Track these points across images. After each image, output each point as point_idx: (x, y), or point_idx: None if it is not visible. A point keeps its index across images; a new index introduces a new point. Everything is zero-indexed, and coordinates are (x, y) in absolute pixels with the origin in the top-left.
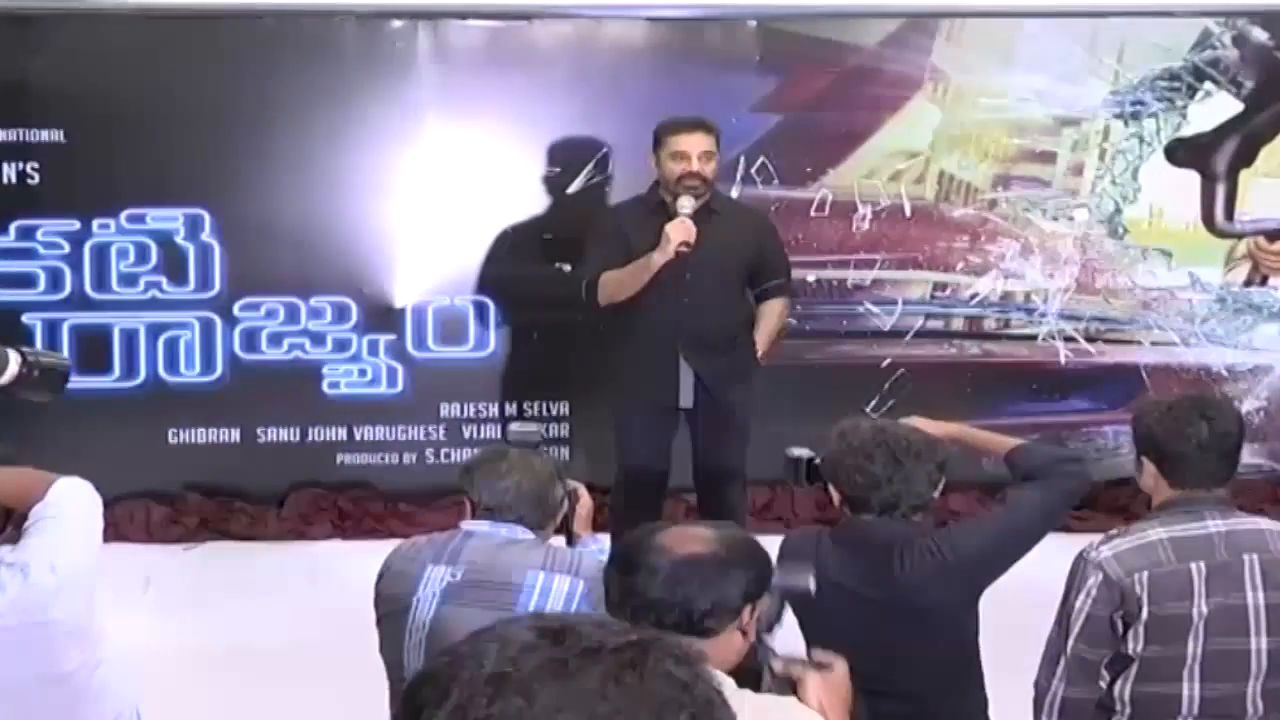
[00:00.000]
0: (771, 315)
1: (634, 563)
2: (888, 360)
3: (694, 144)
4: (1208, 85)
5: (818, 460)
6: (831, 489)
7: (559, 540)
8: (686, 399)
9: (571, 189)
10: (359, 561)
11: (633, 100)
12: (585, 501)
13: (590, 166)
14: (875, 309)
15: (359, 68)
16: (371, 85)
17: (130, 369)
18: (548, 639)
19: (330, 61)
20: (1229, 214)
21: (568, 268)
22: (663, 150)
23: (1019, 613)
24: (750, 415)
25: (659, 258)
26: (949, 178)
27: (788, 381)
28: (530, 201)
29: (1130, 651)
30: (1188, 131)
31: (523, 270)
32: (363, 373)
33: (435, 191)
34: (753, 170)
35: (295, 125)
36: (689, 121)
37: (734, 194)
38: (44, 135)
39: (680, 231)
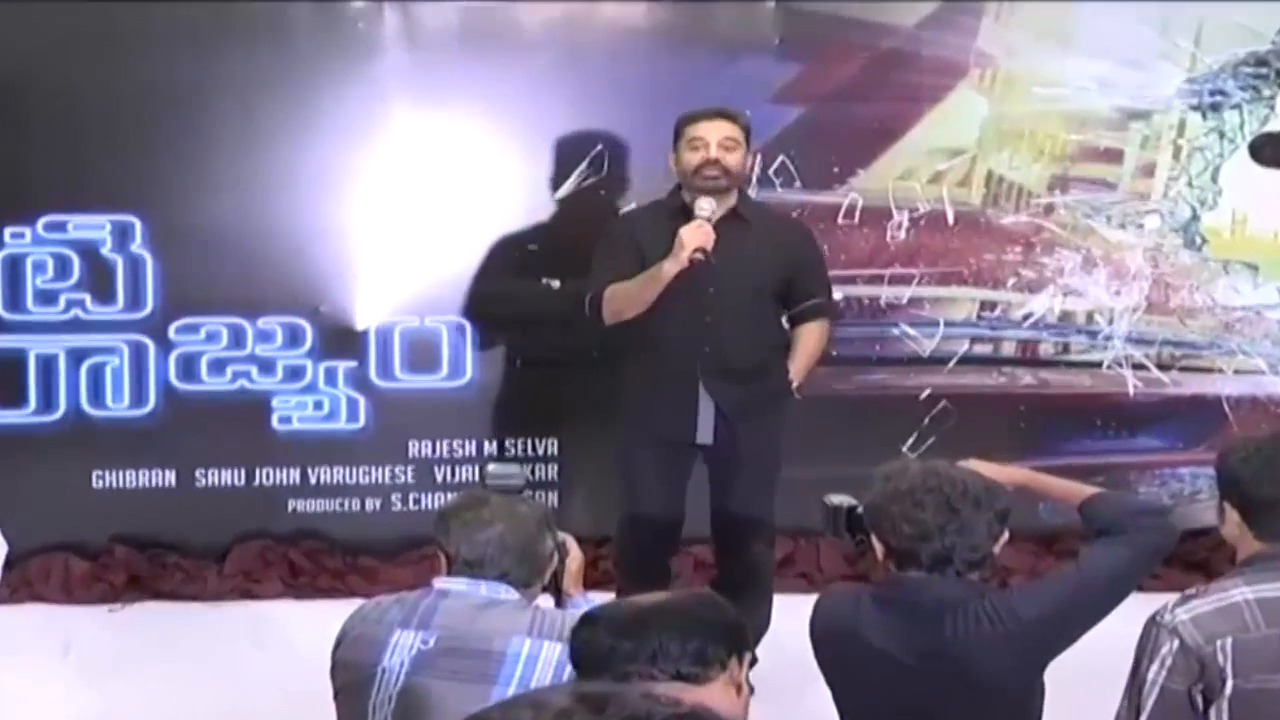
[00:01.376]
0: (809, 340)
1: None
2: (927, 391)
3: (713, 130)
4: None
5: (859, 509)
6: (874, 541)
7: (547, 600)
8: (705, 434)
9: (561, 192)
10: (314, 624)
11: (631, 91)
12: (575, 556)
13: (582, 167)
14: (913, 331)
15: (315, 53)
16: (330, 73)
17: (48, 401)
18: (588, 706)
19: (282, 46)
20: None
21: (556, 283)
22: (681, 143)
23: (1081, 685)
24: (780, 456)
25: (670, 267)
26: (998, 179)
27: (810, 415)
28: (513, 207)
29: None
30: (1277, 126)
31: (505, 286)
32: (319, 405)
33: (403, 196)
34: (770, 171)
35: (241, 119)
36: (708, 109)
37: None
38: None
39: (695, 235)
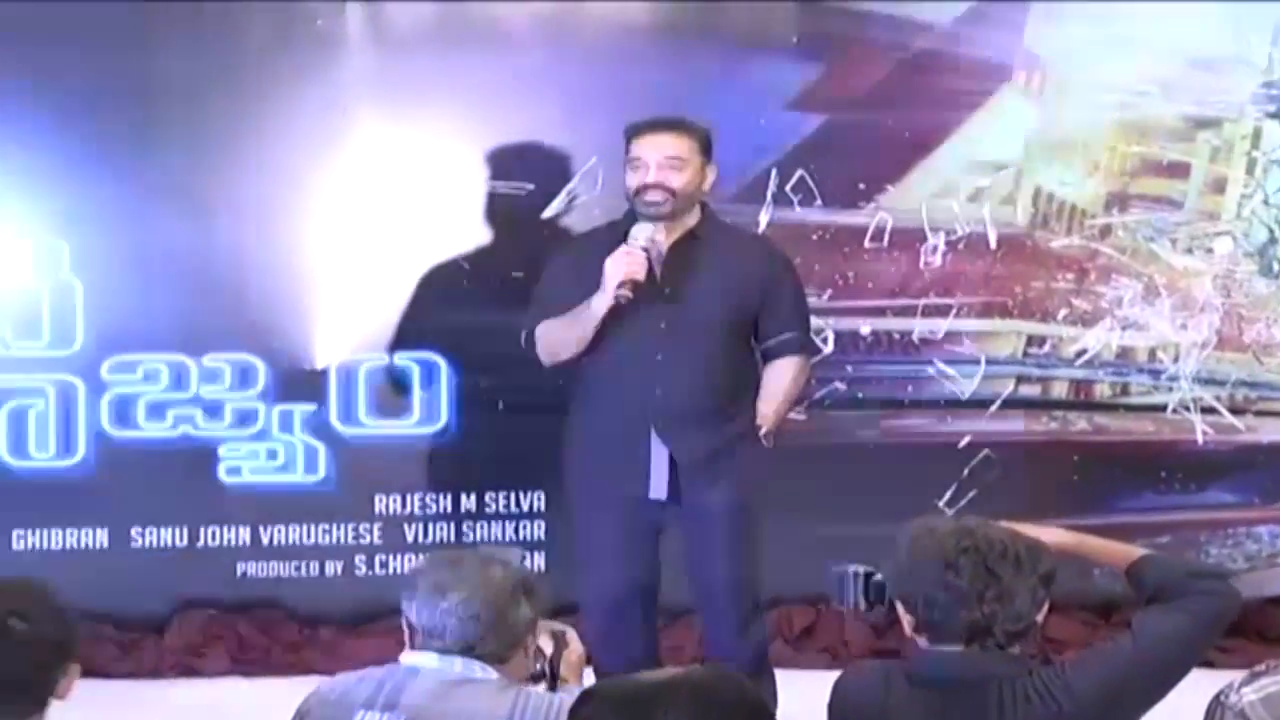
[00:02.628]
0: (781, 379)
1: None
2: (966, 439)
3: (653, 148)
4: None
5: (877, 575)
6: (900, 612)
7: (539, 687)
8: (659, 488)
9: (548, 212)
10: (266, 706)
11: (629, 97)
12: (576, 648)
13: (574, 183)
14: (950, 370)
15: (269, 54)
16: (286, 77)
17: None
18: None
19: (230, 46)
20: None
21: None
22: (626, 160)
23: None
24: (753, 509)
25: (599, 303)
26: (1047, 197)
27: (832, 467)
28: (494, 229)
29: None
30: None
31: (484, 318)
32: (272, 455)
33: (370, 215)
34: (788, 187)
35: (184, 129)
36: (650, 121)
37: (763, 217)
38: None
39: (619, 266)
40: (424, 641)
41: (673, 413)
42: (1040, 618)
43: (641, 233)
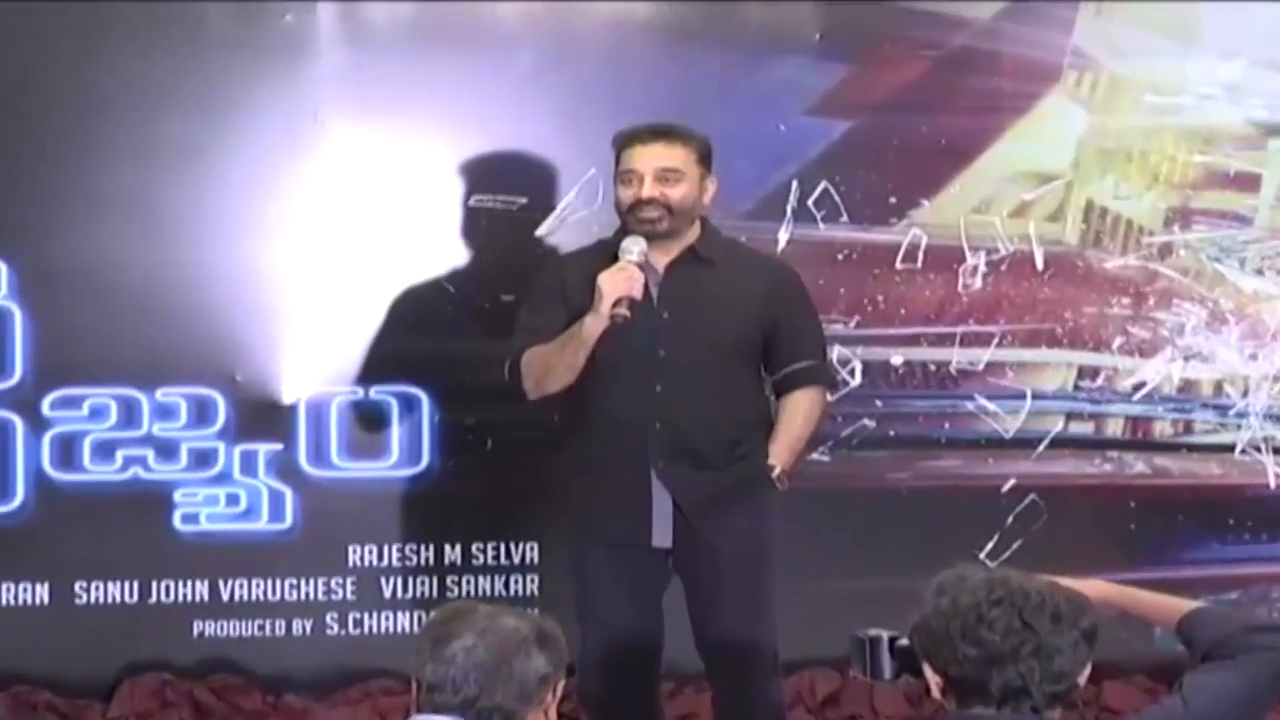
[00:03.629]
0: (795, 413)
1: None
2: (1010, 482)
3: (647, 159)
4: None
5: (900, 639)
6: (927, 671)
7: None
8: (662, 536)
9: (542, 229)
10: None
11: (629, 103)
12: None
13: (570, 197)
14: (991, 406)
15: (231, 54)
16: (250, 80)
17: None
18: None
19: (189, 46)
20: None
21: None
22: (617, 172)
23: None
24: (767, 560)
25: (592, 325)
26: (1100, 212)
27: (858, 513)
28: (481, 249)
29: None
30: None
31: (470, 347)
32: (233, 500)
33: (342, 233)
34: (810, 201)
35: (138, 137)
36: (642, 130)
37: (783, 235)
38: None
39: (616, 283)
40: (427, 698)
41: (675, 452)
42: (1082, 679)
43: (635, 246)
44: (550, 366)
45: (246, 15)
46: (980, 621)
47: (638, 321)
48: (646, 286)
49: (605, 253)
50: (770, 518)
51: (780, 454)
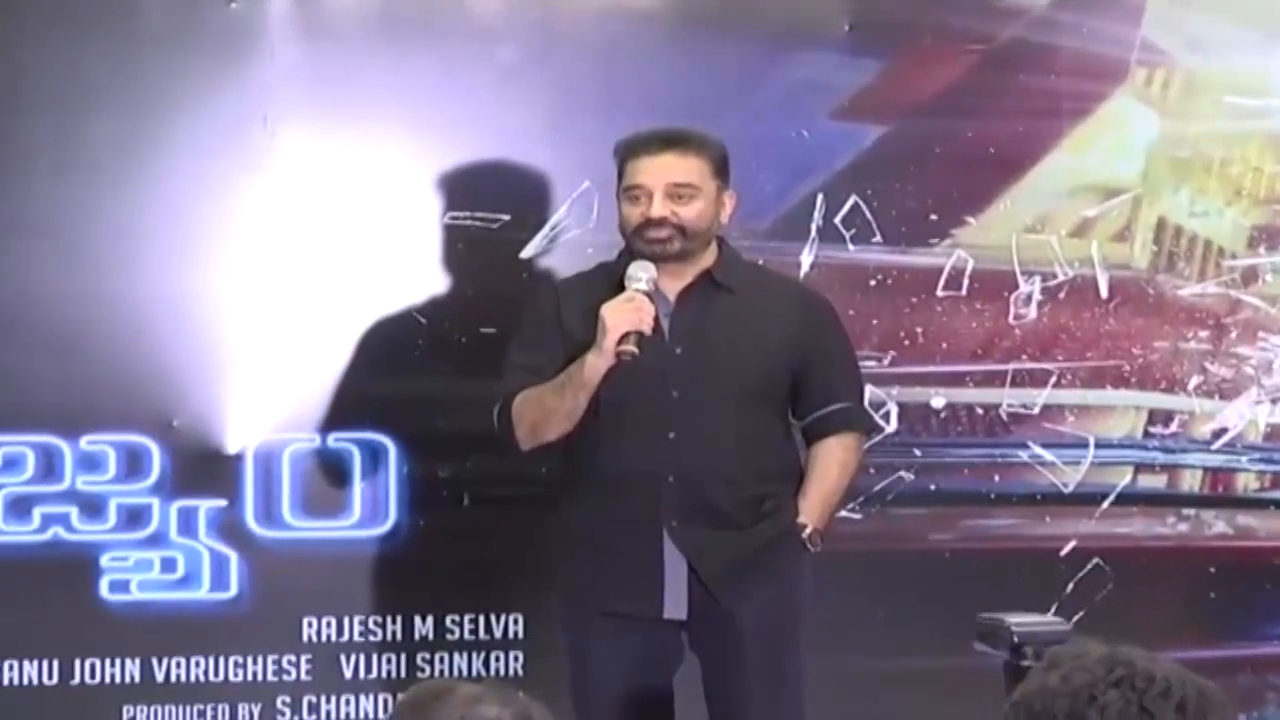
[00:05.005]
0: (829, 463)
1: None
2: (1070, 544)
3: (656, 172)
4: None
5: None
6: None
7: None
8: (677, 607)
9: (529, 251)
10: None
11: (630, 105)
12: None
13: (562, 213)
14: (1048, 455)
15: (165, 53)
16: (187, 82)
17: None
18: None
19: (115, 40)
20: None
21: None
22: (619, 187)
23: None
24: (795, 634)
25: (596, 363)
26: (1174, 231)
27: (894, 581)
28: (458, 273)
29: None
30: None
31: (446, 388)
32: (169, 565)
33: (296, 256)
34: (837, 219)
35: (59, 142)
36: (650, 138)
37: (806, 258)
38: None
39: (622, 315)
40: None
41: (691, 509)
42: None
43: (644, 272)
44: (547, 412)
45: (186, 3)
46: (1093, 704)
47: (647, 359)
48: (656, 318)
49: (608, 279)
50: (800, 585)
51: (812, 511)
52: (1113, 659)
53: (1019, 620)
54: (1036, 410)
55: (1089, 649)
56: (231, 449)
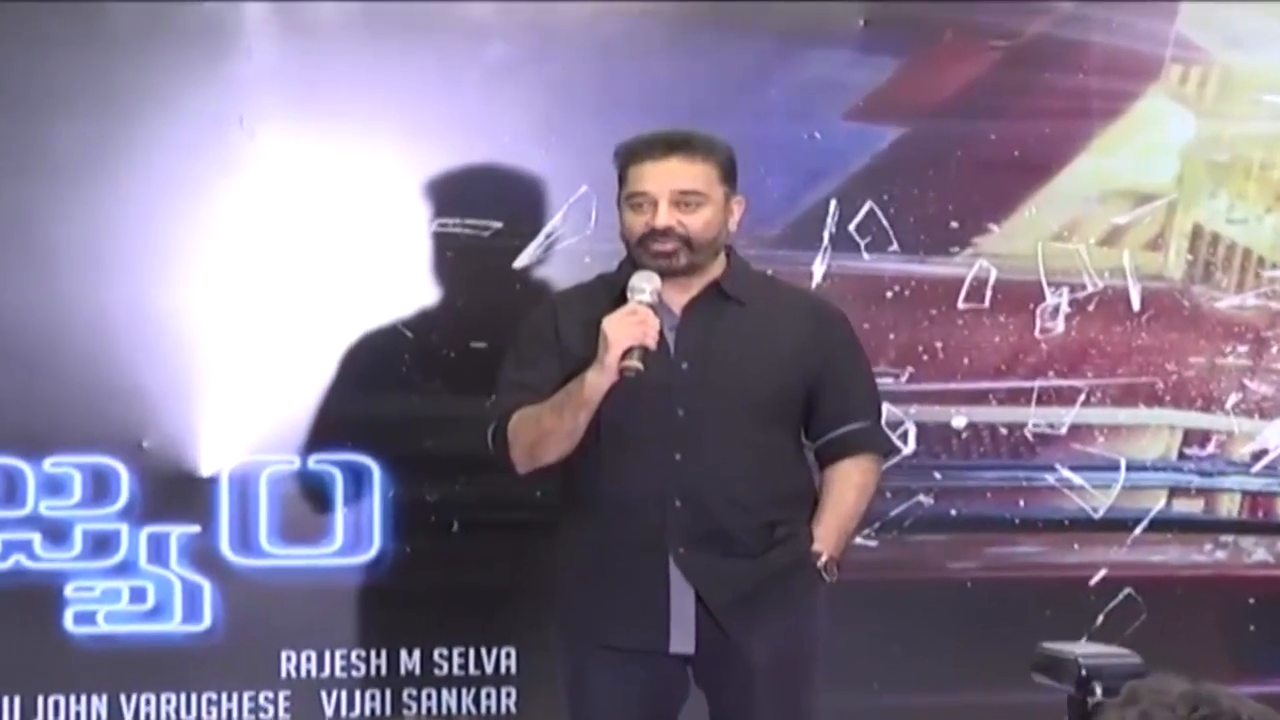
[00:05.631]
0: (845, 487)
1: None
2: (1100, 573)
3: (661, 178)
4: None
5: None
6: None
7: None
8: (683, 640)
9: (523, 260)
10: None
11: (631, 105)
12: None
13: (557, 220)
14: (1077, 478)
15: (137, 52)
16: (160, 82)
17: None
18: None
19: (90, 38)
20: None
21: None
22: (621, 191)
23: None
24: (812, 671)
25: (596, 380)
26: (1210, 239)
27: (912, 612)
28: (446, 284)
29: None
30: None
31: (434, 407)
32: (138, 595)
33: (273, 266)
34: (851, 226)
35: (18, 149)
36: (654, 142)
37: (818, 267)
38: None
39: (625, 328)
40: None
41: (699, 535)
42: None
43: (648, 283)
44: (545, 432)
45: (163, 10)
46: None
47: (652, 376)
48: (661, 332)
49: (608, 291)
50: (814, 617)
51: (827, 537)
52: (1196, 696)
53: (1087, 651)
54: (1064, 430)
55: (1169, 684)
56: (205, 471)
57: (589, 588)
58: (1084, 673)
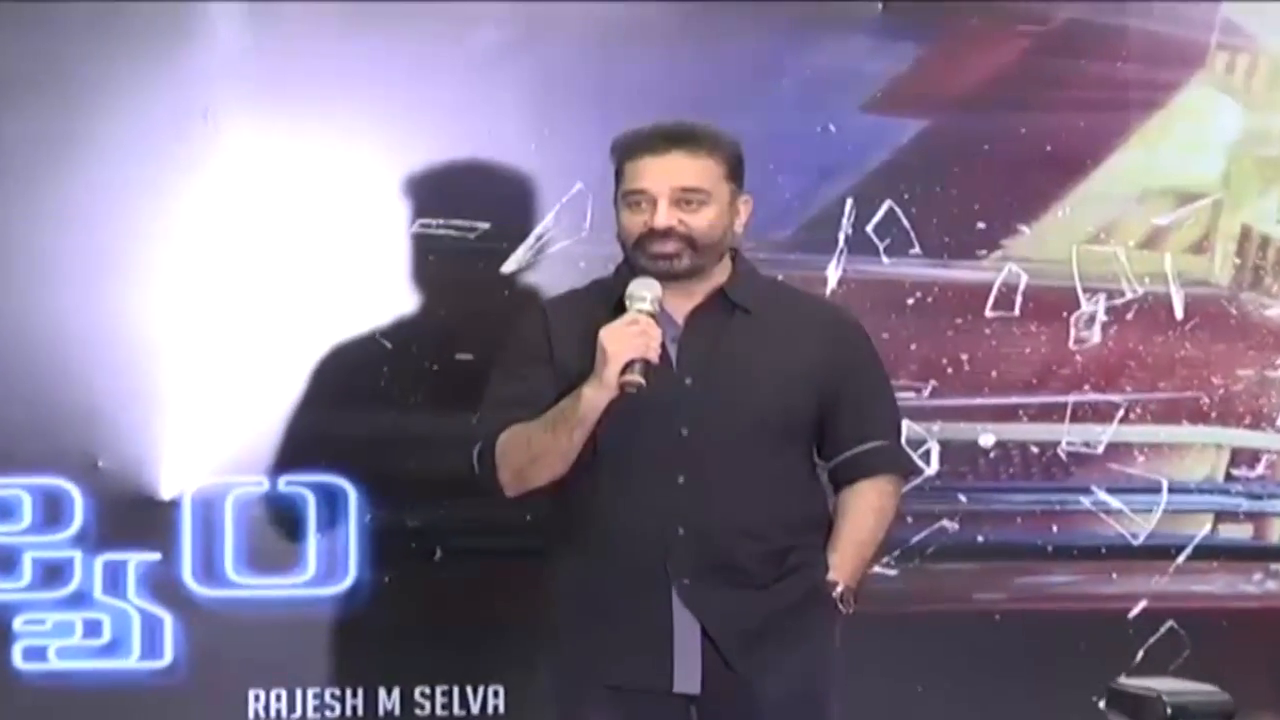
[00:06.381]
0: (863, 511)
1: None
2: (1140, 604)
3: (661, 175)
4: None
5: None
6: None
7: None
8: (688, 679)
9: (512, 264)
10: None
11: (630, 98)
12: None
13: (549, 220)
14: (1115, 501)
15: (94, 40)
16: (118, 72)
17: None
18: None
19: (38, 27)
20: None
21: None
22: (618, 189)
23: None
24: (827, 711)
25: (594, 396)
26: (1260, 241)
27: (935, 647)
28: (429, 290)
29: None
30: None
31: (414, 424)
32: (93, 629)
33: (240, 270)
34: (869, 227)
35: None
36: (654, 135)
37: (833, 272)
38: None
39: (622, 340)
40: None
41: (704, 565)
42: None
43: (648, 291)
44: (538, 453)
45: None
46: None
47: (653, 392)
48: (663, 345)
49: (605, 298)
50: (829, 653)
51: (844, 566)
52: None
53: (1172, 689)
54: (1101, 449)
55: None
56: (166, 494)
57: (584, 622)
58: (1169, 711)
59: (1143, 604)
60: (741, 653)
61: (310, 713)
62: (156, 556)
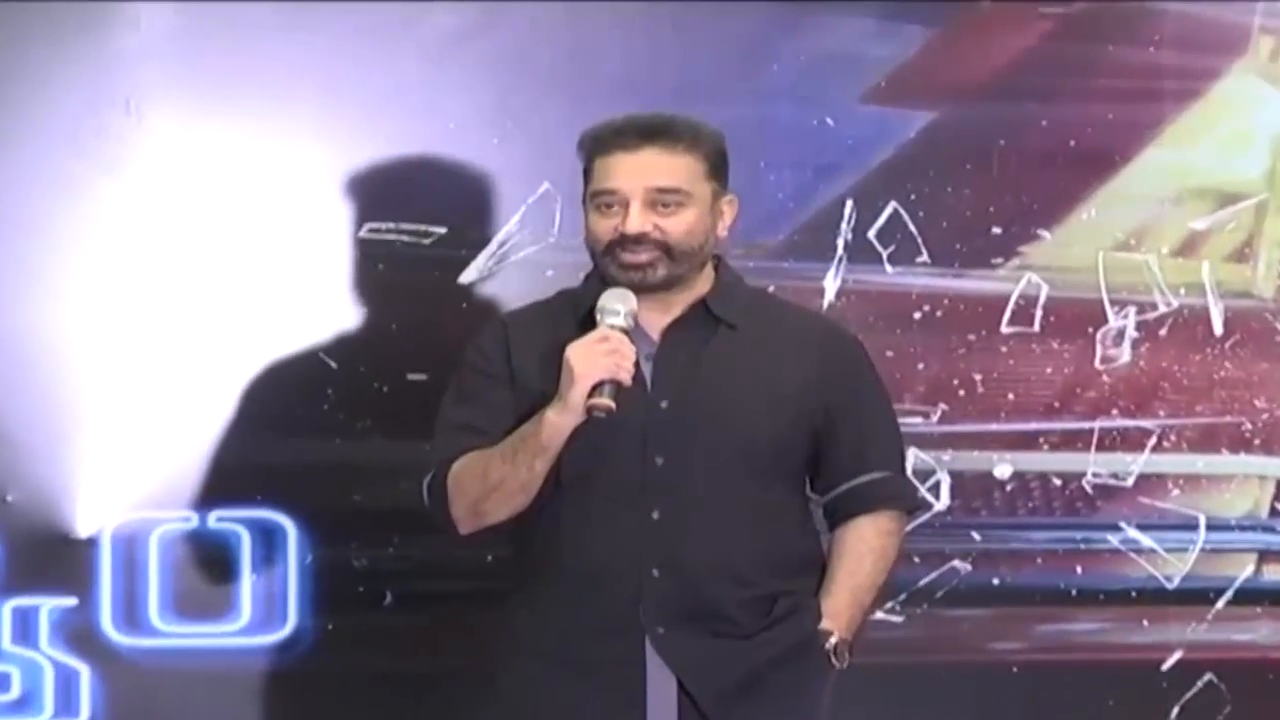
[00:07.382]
0: (860, 550)
1: None
2: (1176, 655)
3: (634, 173)
4: None
5: None
6: None
7: None
8: None
9: (470, 273)
10: None
11: (604, 86)
12: None
13: (513, 225)
14: (1146, 540)
15: (7, 34)
16: (31, 61)
17: None
18: None
19: None
20: None
21: None
22: (586, 192)
23: None
24: None
25: (557, 421)
26: None
27: (946, 701)
28: (378, 302)
29: None
30: None
31: (360, 453)
32: (2, 682)
33: (165, 279)
34: (871, 232)
35: None
36: (626, 128)
37: (831, 282)
38: None
39: (590, 359)
40: None
41: (681, 611)
42: None
43: (621, 303)
44: (494, 484)
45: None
46: None
47: (625, 415)
48: (636, 363)
49: (573, 311)
50: (821, 710)
51: (838, 614)
52: None
53: None
54: (1131, 481)
55: None
56: (83, 532)
57: (547, 675)
58: None
59: (1178, 654)
60: (723, 710)
61: None
62: (72, 601)
